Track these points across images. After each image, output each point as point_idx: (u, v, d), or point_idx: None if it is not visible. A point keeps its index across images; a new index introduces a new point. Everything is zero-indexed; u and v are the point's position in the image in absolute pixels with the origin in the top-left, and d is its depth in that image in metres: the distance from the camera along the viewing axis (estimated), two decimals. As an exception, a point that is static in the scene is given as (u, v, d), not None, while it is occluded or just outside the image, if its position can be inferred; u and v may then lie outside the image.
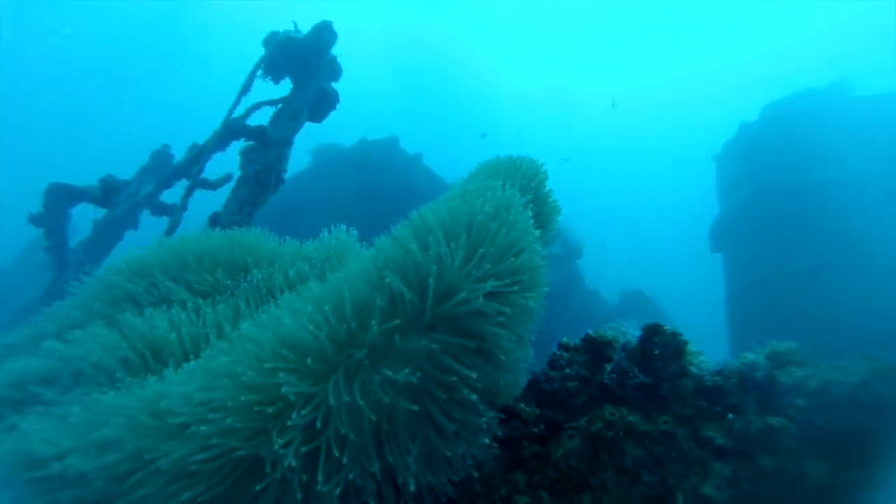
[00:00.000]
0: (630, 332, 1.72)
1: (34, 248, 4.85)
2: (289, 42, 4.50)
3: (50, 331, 1.50)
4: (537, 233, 1.43)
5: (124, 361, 1.30)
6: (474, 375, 1.08)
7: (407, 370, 1.02)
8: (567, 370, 1.55)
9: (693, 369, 1.45)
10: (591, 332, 1.67)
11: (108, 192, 3.79)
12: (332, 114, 5.35)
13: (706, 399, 1.41)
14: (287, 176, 11.45)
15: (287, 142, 4.56)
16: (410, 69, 37.63)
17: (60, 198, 3.73)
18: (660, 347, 1.46)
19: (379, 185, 9.84)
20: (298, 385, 1.00)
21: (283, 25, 4.79)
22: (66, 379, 1.40)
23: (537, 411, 1.44)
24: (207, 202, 5.19)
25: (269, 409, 0.99)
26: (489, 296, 1.15)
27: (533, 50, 39.25)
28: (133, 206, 6.11)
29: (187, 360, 1.33)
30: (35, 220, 3.94)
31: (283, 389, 0.98)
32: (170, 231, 4.05)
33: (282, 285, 1.65)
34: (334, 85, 4.95)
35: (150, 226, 6.04)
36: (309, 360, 1.03)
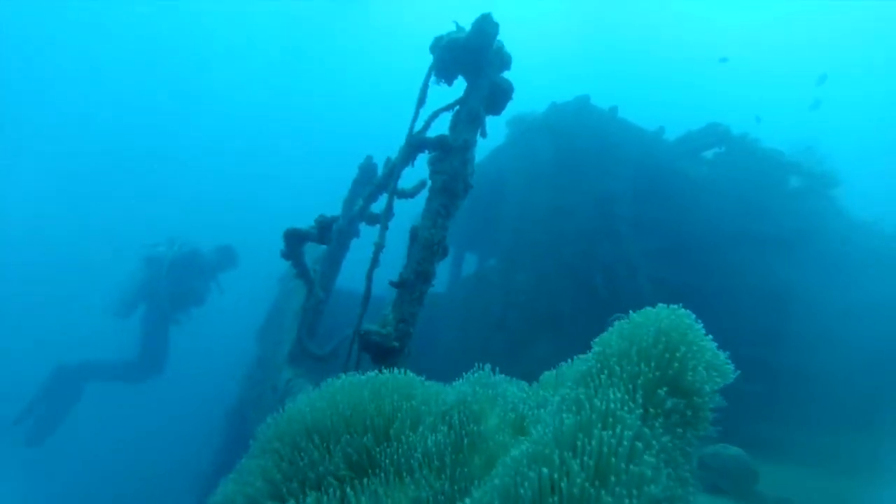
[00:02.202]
0: None
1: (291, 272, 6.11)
2: (454, 44, 4.40)
3: None
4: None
5: None
6: None
7: None
8: None
9: None
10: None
11: (323, 230, 4.31)
12: (526, 86, 5.15)
13: None
14: (487, 151, 11.65)
15: (468, 146, 4.52)
16: (597, 28, 35.03)
17: (293, 239, 4.40)
18: None
19: (574, 145, 9.34)
20: None
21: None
22: None
23: None
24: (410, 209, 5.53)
25: None
26: None
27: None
28: (352, 218, 6.88)
29: None
30: (283, 255, 4.72)
31: None
32: (376, 253, 4.39)
33: (420, 461, 1.57)
34: (506, 74, 4.72)
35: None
36: None
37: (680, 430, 1.14)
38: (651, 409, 1.18)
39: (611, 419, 1.16)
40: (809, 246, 9.20)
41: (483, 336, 8.64)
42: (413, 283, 4.32)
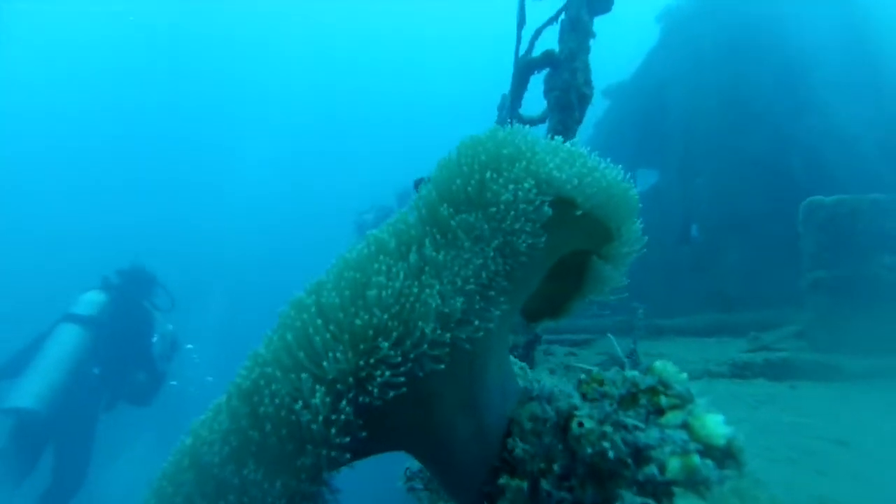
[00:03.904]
0: None
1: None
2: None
3: None
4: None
5: None
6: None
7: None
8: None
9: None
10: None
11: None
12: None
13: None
14: (640, 56, 10.47)
15: (575, 55, 4.33)
16: None
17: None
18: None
19: (745, 17, 7.92)
20: None
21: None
22: None
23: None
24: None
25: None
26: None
27: None
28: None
29: None
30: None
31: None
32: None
33: None
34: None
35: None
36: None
37: (469, 244, 1.10)
38: (430, 228, 1.18)
39: (374, 236, 1.26)
40: None
41: (666, 256, 8.08)
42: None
